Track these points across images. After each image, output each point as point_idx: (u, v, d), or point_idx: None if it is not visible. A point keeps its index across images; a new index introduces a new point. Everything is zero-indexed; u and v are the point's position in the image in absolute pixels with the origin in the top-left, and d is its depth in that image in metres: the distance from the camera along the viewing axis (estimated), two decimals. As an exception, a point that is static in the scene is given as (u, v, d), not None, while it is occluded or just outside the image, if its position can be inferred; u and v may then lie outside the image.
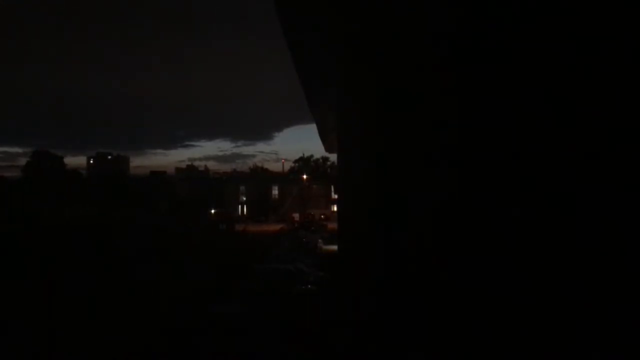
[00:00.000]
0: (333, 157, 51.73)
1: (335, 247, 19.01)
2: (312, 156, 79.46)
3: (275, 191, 72.28)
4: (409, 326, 2.07)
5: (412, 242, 2.11)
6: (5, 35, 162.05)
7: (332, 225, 49.32)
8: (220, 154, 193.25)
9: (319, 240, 39.33)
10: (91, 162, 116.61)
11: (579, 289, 1.17)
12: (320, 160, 78.61)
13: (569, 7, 1.24)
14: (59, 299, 16.85)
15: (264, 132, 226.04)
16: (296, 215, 65.20)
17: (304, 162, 78.22)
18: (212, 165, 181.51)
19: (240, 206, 71.62)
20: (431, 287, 1.88)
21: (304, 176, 71.19)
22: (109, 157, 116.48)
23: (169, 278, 20.66)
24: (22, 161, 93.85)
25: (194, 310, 16.38)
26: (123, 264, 22.85)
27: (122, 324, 14.42)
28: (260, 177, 77.79)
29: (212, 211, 60.71)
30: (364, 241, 2.88)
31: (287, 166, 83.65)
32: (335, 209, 55.40)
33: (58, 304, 16.20)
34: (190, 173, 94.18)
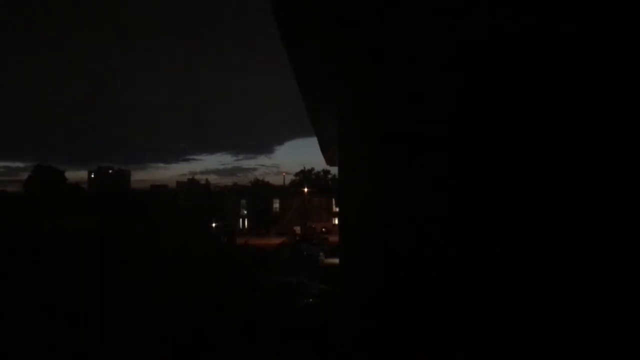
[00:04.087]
0: (334, 170, 51.84)
1: (336, 260, 19.04)
2: (313, 169, 79.62)
3: (276, 204, 72.23)
4: (407, 336, 2.10)
5: (412, 254, 2.15)
6: (9, 48, 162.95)
7: (334, 238, 49.27)
8: (221, 167, 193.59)
9: (320, 253, 39.26)
10: (92, 176, 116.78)
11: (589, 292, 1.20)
12: (321, 173, 78.78)
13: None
14: (58, 312, 16.85)
15: (265, 145, 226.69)
16: (297, 228, 65.14)
17: (305, 175, 78.35)
18: (213, 178, 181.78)
19: (241, 219, 71.56)
20: (430, 297, 1.91)
21: (305, 189, 71.23)
22: (110, 171, 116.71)
23: (169, 291, 20.63)
24: (24, 176, 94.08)
25: (193, 321, 16.35)
26: (123, 276, 22.81)
27: (123, 335, 14.40)
28: (261, 190, 77.84)
29: (214, 224, 60.62)
30: (364, 253, 2.91)
31: (288, 179, 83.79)
32: (336, 221, 55.40)
33: (56, 319, 16.19)
34: (191, 186, 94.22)
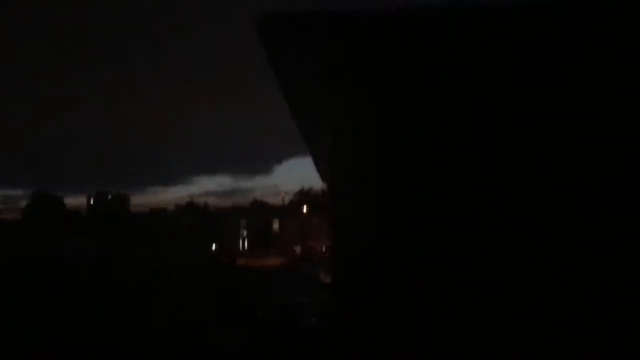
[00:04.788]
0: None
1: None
2: (311, 188, 79.60)
3: (275, 224, 72.15)
4: (401, 339, 2.11)
5: (407, 258, 2.17)
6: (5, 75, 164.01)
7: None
8: (220, 189, 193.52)
9: (321, 273, 39.09)
10: (91, 201, 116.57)
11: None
12: (321, 193, 78.75)
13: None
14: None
15: (263, 165, 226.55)
16: (297, 248, 64.94)
17: (304, 195, 78.34)
18: (212, 200, 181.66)
19: (241, 240, 71.38)
20: (424, 301, 1.93)
21: (304, 209, 71.17)
22: (109, 196, 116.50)
23: (170, 310, 20.54)
24: (23, 204, 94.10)
25: (195, 340, 16.28)
26: (122, 299, 22.71)
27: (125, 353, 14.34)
28: (260, 210, 77.76)
29: (213, 246, 60.48)
30: (357, 259, 2.93)
31: (287, 199, 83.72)
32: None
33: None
34: (190, 209, 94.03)
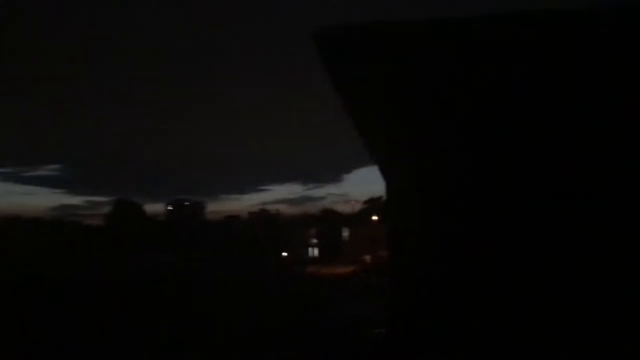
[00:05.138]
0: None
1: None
2: (381, 197, 79.12)
3: (345, 233, 72.17)
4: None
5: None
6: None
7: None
8: (291, 197, 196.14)
9: (391, 282, 38.66)
10: (169, 208, 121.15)
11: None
12: (390, 201, 77.93)
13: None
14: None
15: (333, 174, 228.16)
16: (367, 257, 64.58)
17: (374, 203, 77.99)
18: (283, 208, 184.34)
19: (310, 248, 71.93)
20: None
21: (374, 217, 70.76)
22: (186, 203, 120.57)
23: (242, 317, 21.01)
24: (106, 210, 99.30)
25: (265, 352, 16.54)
26: (197, 307, 23.42)
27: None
28: (330, 219, 78.05)
29: (284, 254, 61.32)
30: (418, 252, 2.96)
31: (357, 208, 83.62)
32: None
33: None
34: (262, 216, 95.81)
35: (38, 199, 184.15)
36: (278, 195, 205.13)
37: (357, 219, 75.59)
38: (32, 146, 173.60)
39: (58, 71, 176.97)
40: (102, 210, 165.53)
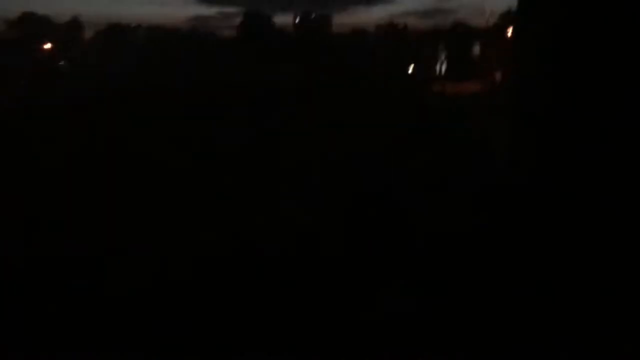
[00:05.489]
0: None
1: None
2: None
3: (477, 48, 68.16)
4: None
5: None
6: None
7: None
8: (421, 9, 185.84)
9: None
10: (297, 21, 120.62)
11: None
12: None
13: None
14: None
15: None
16: (499, 74, 61.26)
17: (511, 17, 71.42)
18: (412, 21, 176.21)
19: (439, 64, 69.41)
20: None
21: (509, 32, 65.42)
22: (313, 15, 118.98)
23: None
24: (237, 21, 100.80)
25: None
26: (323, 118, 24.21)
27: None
28: (461, 33, 73.49)
29: (410, 69, 59.96)
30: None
31: (493, 21, 77.31)
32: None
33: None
34: (390, 30, 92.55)
35: (174, 9, 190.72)
36: (408, 7, 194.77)
37: (491, 34, 70.37)
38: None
39: None
40: (234, 22, 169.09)
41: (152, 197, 13.31)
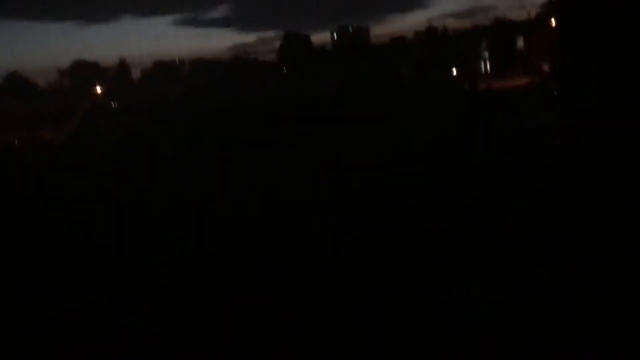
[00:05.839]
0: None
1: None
2: (563, -3, 70.04)
3: (520, 42, 66.73)
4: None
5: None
6: None
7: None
8: (459, 9, 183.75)
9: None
10: (334, 36, 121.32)
11: None
12: (574, 1, 68.92)
13: None
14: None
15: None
16: (545, 66, 59.74)
17: (553, 5, 69.66)
18: (451, 22, 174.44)
19: (483, 63, 68.29)
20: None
21: (553, 21, 63.76)
22: (350, 29, 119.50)
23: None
24: (276, 45, 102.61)
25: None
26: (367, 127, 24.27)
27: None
28: (503, 28, 72.21)
29: (454, 71, 59.22)
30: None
31: (534, 13, 75.62)
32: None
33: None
34: (428, 35, 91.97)
35: (215, 41, 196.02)
36: (445, 8, 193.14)
37: (534, 25, 68.79)
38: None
39: None
40: (273, 46, 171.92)
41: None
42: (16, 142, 42.27)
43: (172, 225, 13.50)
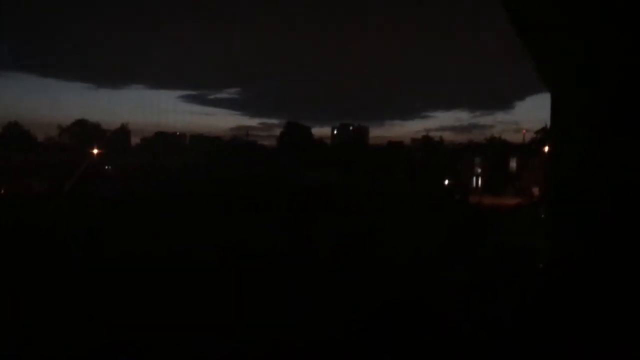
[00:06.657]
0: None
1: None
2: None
3: (513, 163, 68.85)
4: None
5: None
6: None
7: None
8: (457, 124, 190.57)
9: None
10: (335, 132, 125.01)
11: None
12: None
13: None
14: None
15: (504, 101, 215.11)
16: (536, 190, 61.23)
17: (546, 133, 72.73)
18: (448, 135, 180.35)
19: (475, 178, 70.05)
20: None
21: (546, 148, 66.22)
22: (351, 127, 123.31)
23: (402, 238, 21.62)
24: (278, 131, 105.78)
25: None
26: (354, 227, 24.44)
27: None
28: (497, 148, 74.76)
29: (446, 181, 60.59)
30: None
31: (529, 137, 78.78)
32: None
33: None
34: (425, 144, 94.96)
35: (218, 120, 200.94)
36: (443, 122, 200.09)
37: (527, 149, 71.41)
38: (215, 68, 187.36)
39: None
40: (274, 132, 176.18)
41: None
42: (2, 191, 42.45)
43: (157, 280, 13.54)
